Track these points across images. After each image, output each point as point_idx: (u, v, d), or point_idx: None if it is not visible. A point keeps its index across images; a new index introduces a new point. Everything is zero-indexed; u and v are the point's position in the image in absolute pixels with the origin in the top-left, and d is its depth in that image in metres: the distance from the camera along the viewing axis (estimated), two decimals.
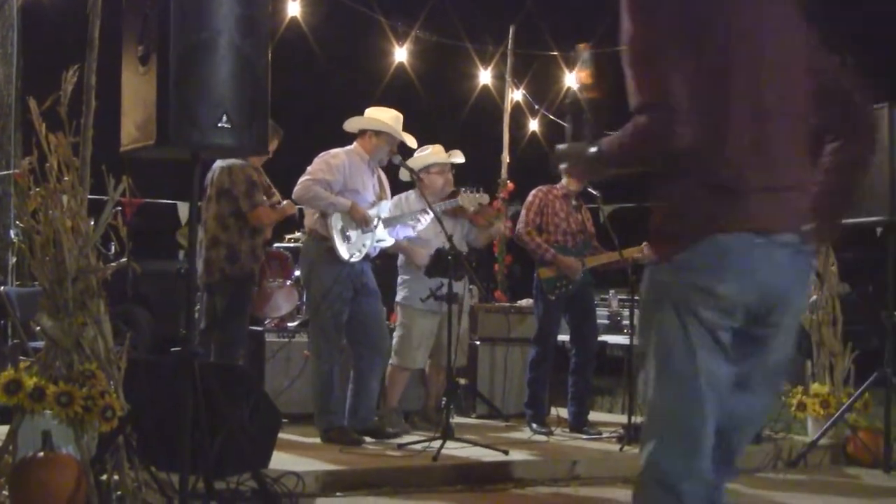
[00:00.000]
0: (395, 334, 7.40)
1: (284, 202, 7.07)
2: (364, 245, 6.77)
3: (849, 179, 2.79)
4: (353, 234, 6.74)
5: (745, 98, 2.55)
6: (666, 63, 2.50)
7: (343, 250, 6.67)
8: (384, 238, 6.97)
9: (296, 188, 6.69)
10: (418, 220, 7.15)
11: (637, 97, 2.54)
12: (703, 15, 2.54)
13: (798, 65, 2.64)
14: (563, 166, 2.86)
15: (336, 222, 6.68)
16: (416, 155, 7.42)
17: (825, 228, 2.74)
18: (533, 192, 7.65)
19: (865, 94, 2.75)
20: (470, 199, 7.41)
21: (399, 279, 7.56)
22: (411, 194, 7.46)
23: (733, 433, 2.67)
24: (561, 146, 2.85)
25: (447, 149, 7.55)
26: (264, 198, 6.86)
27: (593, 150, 2.68)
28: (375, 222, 6.84)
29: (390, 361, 7.28)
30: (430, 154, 7.45)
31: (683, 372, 2.55)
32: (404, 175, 7.30)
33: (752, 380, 2.65)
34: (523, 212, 7.61)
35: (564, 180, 7.53)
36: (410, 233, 7.20)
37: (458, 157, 7.49)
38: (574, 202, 7.64)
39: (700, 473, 2.56)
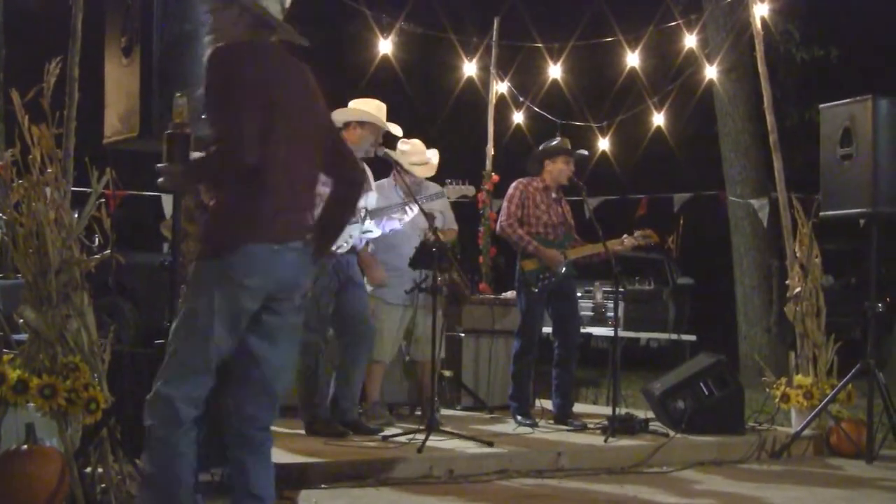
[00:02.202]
0: None
1: None
2: (351, 236, 6.73)
3: (336, 211, 4.03)
4: None
5: (280, 150, 3.66)
6: (237, 109, 3.56)
7: None
8: (371, 230, 6.95)
9: None
10: (405, 213, 7.11)
11: (215, 131, 3.61)
12: (260, 92, 3.62)
13: (316, 133, 3.87)
14: (160, 180, 3.76)
15: None
16: (398, 146, 7.37)
17: (320, 243, 3.91)
18: (514, 184, 7.62)
19: (354, 157, 4.15)
20: (455, 191, 7.41)
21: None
22: (384, 183, 7.41)
23: (271, 378, 3.81)
24: (160, 165, 3.80)
25: (432, 143, 7.51)
26: None
27: (183, 167, 3.79)
28: (363, 213, 6.81)
29: None
30: (409, 153, 7.35)
31: (201, 335, 3.63)
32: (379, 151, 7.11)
33: (277, 337, 3.78)
34: (505, 204, 7.58)
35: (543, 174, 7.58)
36: (397, 225, 7.14)
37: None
38: (554, 194, 7.63)
39: (193, 399, 3.65)
